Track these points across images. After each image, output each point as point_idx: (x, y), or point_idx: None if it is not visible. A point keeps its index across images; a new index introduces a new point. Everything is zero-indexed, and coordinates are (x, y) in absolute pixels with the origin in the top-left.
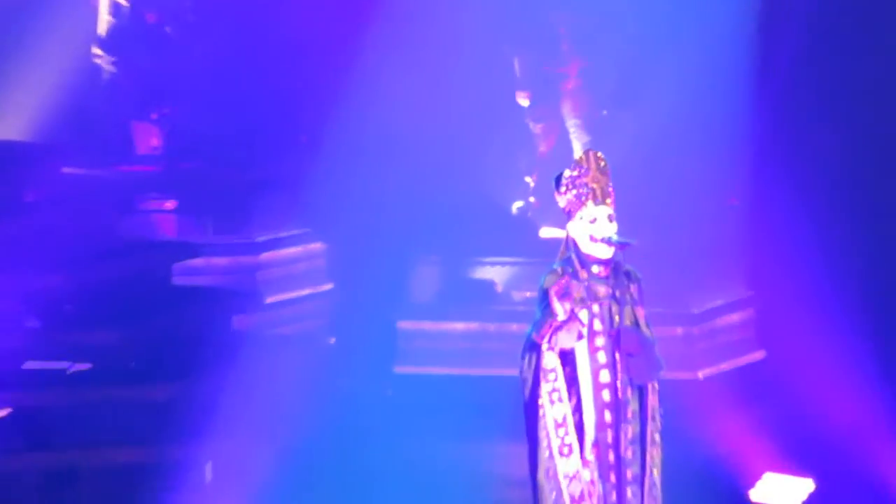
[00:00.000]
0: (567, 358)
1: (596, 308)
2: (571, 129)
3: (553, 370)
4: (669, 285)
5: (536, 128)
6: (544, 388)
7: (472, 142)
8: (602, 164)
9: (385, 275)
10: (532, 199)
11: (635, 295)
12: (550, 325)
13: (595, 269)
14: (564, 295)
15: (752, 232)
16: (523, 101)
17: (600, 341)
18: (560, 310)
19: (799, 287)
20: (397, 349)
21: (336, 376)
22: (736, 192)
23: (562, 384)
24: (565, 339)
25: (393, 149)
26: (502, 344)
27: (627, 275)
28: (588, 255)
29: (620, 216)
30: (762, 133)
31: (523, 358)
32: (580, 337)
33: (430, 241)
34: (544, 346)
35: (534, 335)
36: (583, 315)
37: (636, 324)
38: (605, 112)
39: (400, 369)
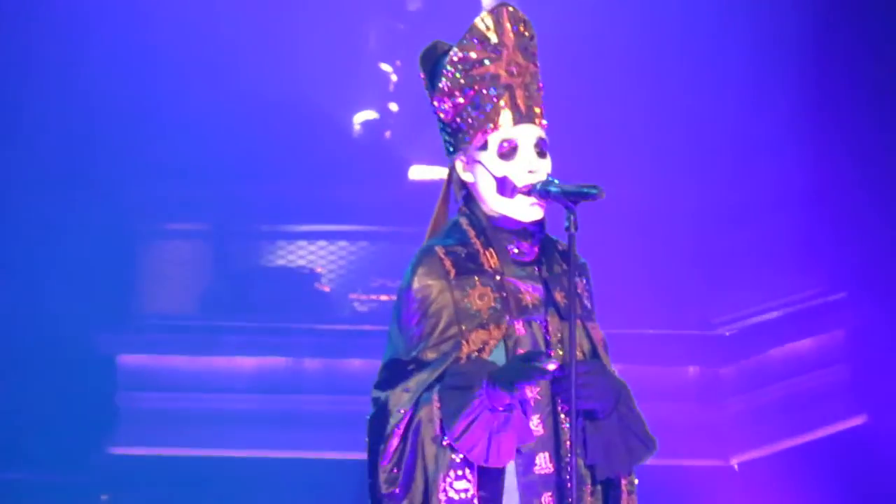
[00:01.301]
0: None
1: (521, 328)
2: None
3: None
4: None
5: None
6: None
7: None
8: (526, 32)
9: (88, 268)
10: (395, 107)
11: (586, 299)
12: (475, 417)
13: (513, 248)
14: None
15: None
16: None
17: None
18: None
19: None
20: (115, 410)
21: None
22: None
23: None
24: (503, 450)
25: None
26: (322, 404)
27: (564, 257)
28: (500, 221)
29: (561, 148)
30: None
31: (378, 433)
32: (524, 440)
33: (173, 202)
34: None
35: (395, 411)
36: (497, 353)
37: (594, 355)
38: None
39: (118, 450)
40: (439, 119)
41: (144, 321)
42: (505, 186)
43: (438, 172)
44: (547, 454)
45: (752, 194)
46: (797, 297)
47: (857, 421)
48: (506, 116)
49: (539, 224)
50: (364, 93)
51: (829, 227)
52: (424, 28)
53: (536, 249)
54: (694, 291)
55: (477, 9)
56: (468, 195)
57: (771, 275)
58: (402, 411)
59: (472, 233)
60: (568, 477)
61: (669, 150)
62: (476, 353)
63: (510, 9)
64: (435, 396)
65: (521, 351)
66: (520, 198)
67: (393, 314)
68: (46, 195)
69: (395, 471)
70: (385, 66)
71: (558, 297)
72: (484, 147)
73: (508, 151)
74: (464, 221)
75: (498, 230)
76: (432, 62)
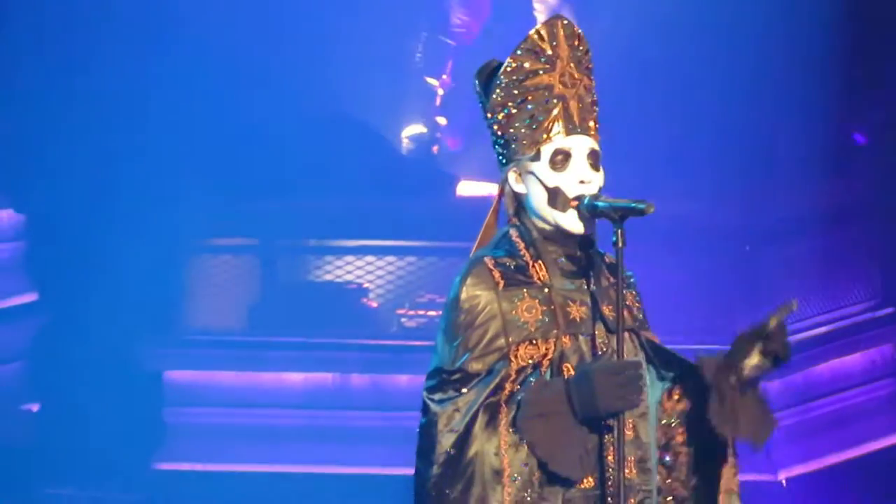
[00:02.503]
0: None
1: (568, 343)
2: None
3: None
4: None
5: None
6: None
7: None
8: (580, 46)
9: (135, 283)
10: (443, 121)
11: (637, 310)
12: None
13: (562, 260)
14: None
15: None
16: None
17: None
18: None
19: None
20: (162, 425)
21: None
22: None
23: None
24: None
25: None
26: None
27: (612, 271)
28: (550, 233)
29: (613, 157)
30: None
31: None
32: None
33: (221, 216)
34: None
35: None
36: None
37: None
38: None
39: (164, 466)
40: (492, 131)
41: (191, 336)
42: (557, 197)
43: (486, 188)
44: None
45: (798, 209)
46: (845, 312)
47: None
48: (558, 127)
49: (589, 237)
50: (414, 107)
51: (876, 242)
52: (473, 44)
53: (585, 263)
54: (740, 306)
55: (522, 24)
56: (519, 207)
57: (818, 290)
58: (455, 432)
59: (521, 245)
60: (611, 490)
61: (717, 165)
62: (526, 368)
63: (564, 21)
64: (503, 430)
65: (567, 365)
66: (571, 210)
67: (441, 323)
68: (94, 210)
69: (447, 490)
70: (431, 81)
71: (606, 310)
72: (536, 157)
73: (561, 162)
74: (513, 233)
75: (547, 242)
76: (487, 77)
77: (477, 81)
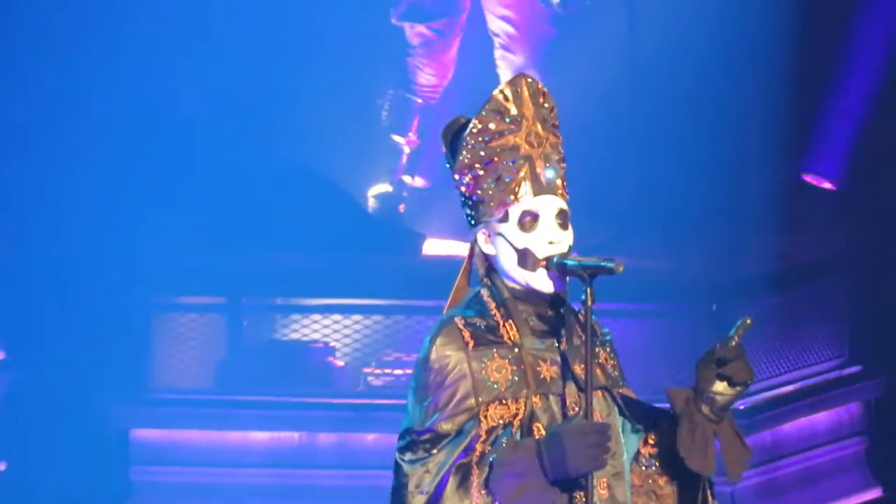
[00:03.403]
0: None
1: (538, 402)
2: (496, 39)
3: None
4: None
5: (412, 34)
6: None
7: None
8: (545, 103)
9: (101, 341)
10: (409, 180)
11: (612, 367)
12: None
13: (533, 320)
14: None
15: None
16: None
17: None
18: None
19: None
20: (129, 484)
21: None
22: None
23: None
24: None
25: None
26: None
27: (583, 328)
28: (521, 293)
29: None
30: None
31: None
32: None
33: (187, 274)
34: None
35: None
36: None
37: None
38: None
39: None
40: (461, 192)
41: (158, 395)
42: (526, 259)
43: (453, 247)
44: None
45: (763, 265)
46: (812, 370)
47: (873, 495)
48: (525, 188)
49: (559, 296)
50: (379, 166)
51: (843, 299)
52: (439, 101)
53: (556, 322)
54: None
55: (489, 80)
56: (489, 267)
57: (784, 348)
58: (425, 494)
59: (492, 304)
60: None
61: (679, 222)
62: (497, 428)
63: (528, 80)
64: (475, 491)
65: (538, 425)
66: (541, 270)
67: (410, 383)
68: (59, 268)
69: None
70: (398, 139)
71: (577, 369)
72: (505, 219)
73: (529, 223)
74: (485, 293)
75: (518, 302)
76: (453, 136)
77: (443, 141)
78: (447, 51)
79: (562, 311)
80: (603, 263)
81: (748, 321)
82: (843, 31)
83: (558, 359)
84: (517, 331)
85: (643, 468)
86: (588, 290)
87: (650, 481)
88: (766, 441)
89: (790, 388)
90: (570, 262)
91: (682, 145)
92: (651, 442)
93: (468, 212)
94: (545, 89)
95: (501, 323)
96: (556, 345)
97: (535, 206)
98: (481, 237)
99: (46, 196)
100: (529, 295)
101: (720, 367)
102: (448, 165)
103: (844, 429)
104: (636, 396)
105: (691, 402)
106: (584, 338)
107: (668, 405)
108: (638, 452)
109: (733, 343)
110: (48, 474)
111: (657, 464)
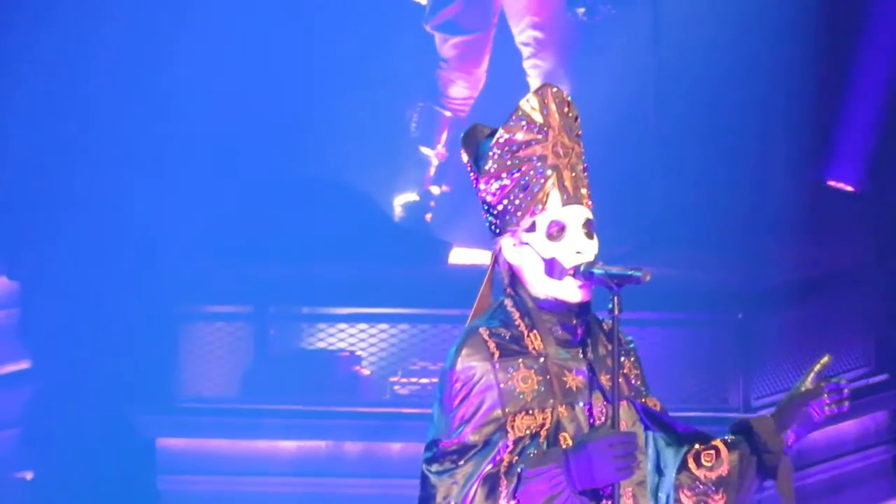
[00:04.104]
0: None
1: (564, 413)
2: (525, 49)
3: None
4: None
5: (446, 47)
6: None
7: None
8: (570, 113)
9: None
10: (436, 191)
11: (635, 378)
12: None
13: (558, 330)
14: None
15: None
16: None
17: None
18: None
19: None
20: (156, 493)
21: None
22: None
23: None
24: None
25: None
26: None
27: (609, 338)
28: (545, 303)
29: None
30: None
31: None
32: None
33: (215, 284)
34: None
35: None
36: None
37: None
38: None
39: None
40: (484, 201)
41: (185, 404)
42: (553, 268)
43: (479, 256)
44: None
45: (791, 275)
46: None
47: None
48: (554, 198)
49: (585, 306)
50: (407, 177)
51: (870, 307)
52: (468, 114)
53: (581, 331)
54: (734, 373)
55: (518, 93)
56: (513, 277)
57: (811, 357)
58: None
59: (516, 314)
60: None
61: (706, 231)
62: (524, 438)
63: (554, 89)
64: (503, 502)
65: (564, 435)
66: (568, 279)
67: (436, 395)
68: (87, 277)
69: None
70: (426, 151)
71: (603, 379)
72: (532, 229)
73: (556, 233)
74: (508, 303)
75: (543, 312)
76: (474, 144)
77: (464, 149)
78: (478, 64)
79: (587, 319)
80: (630, 272)
81: (826, 359)
82: (862, 34)
83: (583, 368)
84: (542, 341)
85: (697, 488)
86: (615, 298)
87: (705, 499)
88: (793, 450)
89: None
90: (597, 271)
91: (707, 153)
92: (707, 463)
93: (491, 220)
94: (570, 98)
95: (526, 333)
96: (582, 354)
97: (562, 215)
98: (506, 247)
99: (75, 206)
100: (554, 305)
101: (809, 400)
102: (471, 174)
103: (871, 437)
104: (661, 406)
105: (777, 436)
106: (609, 347)
107: (682, 414)
108: (689, 472)
109: (817, 381)
110: (75, 483)
111: (715, 487)
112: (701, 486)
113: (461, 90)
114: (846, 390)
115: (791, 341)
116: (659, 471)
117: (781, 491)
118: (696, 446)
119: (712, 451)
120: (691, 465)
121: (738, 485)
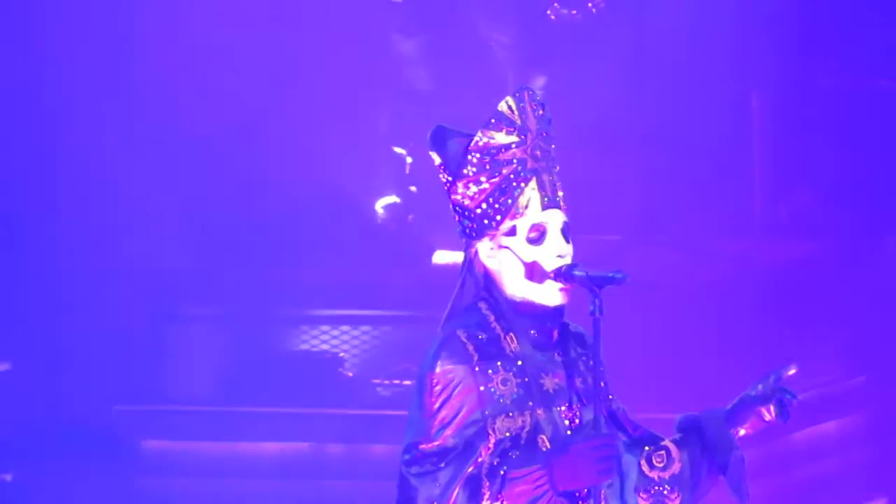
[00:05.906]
0: None
1: (542, 415)
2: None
3: None
4: None
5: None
6: None
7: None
8: (545, 115)
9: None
10: (415, 189)
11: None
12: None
13: (534, 333)
14: None
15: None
16: None
17: None
18: None
19: None
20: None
21: None
22: None
23: None
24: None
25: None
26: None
27: (579, 341)
28: (521, 306)
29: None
30: None
31: None
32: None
33: (197, 285)
34: None
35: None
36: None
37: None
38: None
39: None
40: (460, 205)
41: (167, 406)
42: (534, 271)
43: (461, 257)
44: None
45: (770, 276)
46: (817, 381)
47: None
48: (534, 201)
49: (560, 309)
50: (385, 177)
51: (848, 308)
52: (435, 109)
53: (556, 334)
54: (716, 377)
55: (489, 89)
56: (489, 280)
57: (791, 360)
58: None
59: (491, 317)
60: None
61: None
62: (504, 441)
63: (529, 92)
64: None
65: (542, 437)
66: (548, 283)
67: (414, 397)
68: (66, 279)
69: None
70: (399, 150)
71: (578, 381)
72: (512, 233)
73: (537, 236)
74: (483, 306)
75: (519, 315)
76: (444, 146)
77: (434, 151)
78: (441, 61)
79: (560, 323)
80: (611, 275)
81: (792, 369)
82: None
83: (559, 371)
84: (518, 343)
85: (652, 489)
86: (596, 301)
87: (661, 500)
88: (774, 450)
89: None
90: (578, 273)
91: (683, 150)
92: (659, 464)
93: (468, 224)
94: (544, 101)
95: (502, 335)
96: (556, 357)
97: (543, 219)
98: (483, 250)
99: (59, 208)
100: (530, 308)
101: (760, 405)
102: (442, 177)
103: (850, 438)
104: (621, 408)
105: (728, 433)
106: (579, 350)
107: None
108: (643, 475)
109: (773, 388)
110: (55, 485)
111: (669, 485)
112: (656, 488)
113: (427, 87)
114: (794, 403)
115: (771, 342)
116: (621, 475)
117: (732, 485)
118: (646, 448)
119: (663, 452)
120: (644, 467)
121: (691, 482)
